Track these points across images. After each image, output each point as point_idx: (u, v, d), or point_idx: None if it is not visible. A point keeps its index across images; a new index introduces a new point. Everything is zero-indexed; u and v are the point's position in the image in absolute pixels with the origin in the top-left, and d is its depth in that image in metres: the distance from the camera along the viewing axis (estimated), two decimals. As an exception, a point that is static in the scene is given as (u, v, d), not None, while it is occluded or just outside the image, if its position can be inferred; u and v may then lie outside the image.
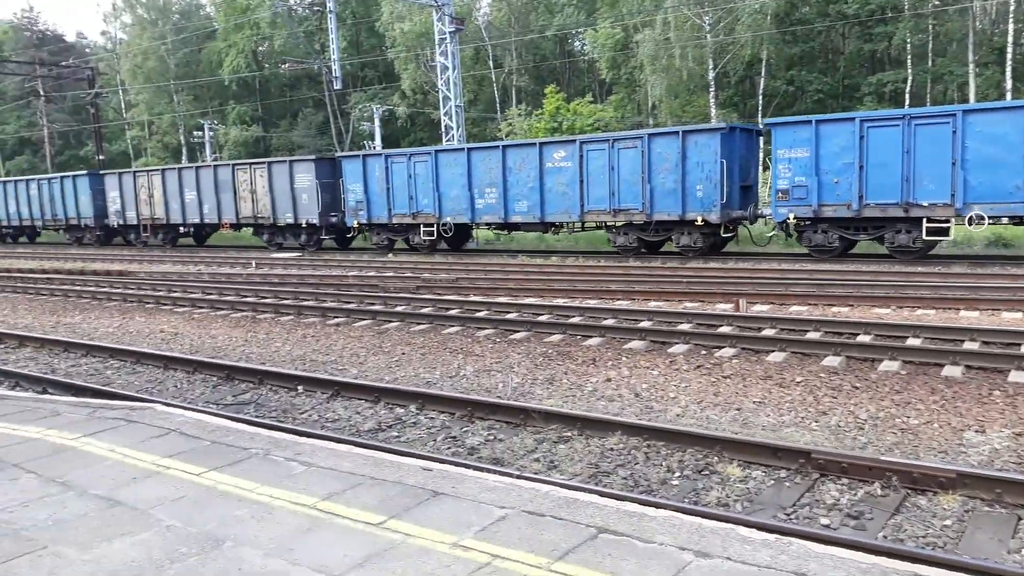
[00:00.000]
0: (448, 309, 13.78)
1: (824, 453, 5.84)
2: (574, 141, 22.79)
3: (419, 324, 12.69)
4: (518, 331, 11.67)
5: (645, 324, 11.41)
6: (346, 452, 5.63)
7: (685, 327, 11.04)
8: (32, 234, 42.59)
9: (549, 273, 17.96)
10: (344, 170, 27.69)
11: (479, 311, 13.42)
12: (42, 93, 54.22)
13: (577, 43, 52.05)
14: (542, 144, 23.25)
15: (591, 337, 11.00)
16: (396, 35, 46.24)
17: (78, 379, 9.92)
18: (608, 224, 22.55)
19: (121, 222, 35.54)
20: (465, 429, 7.40)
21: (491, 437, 7.13)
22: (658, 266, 19.11)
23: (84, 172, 38.93)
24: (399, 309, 13.88)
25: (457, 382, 9.22)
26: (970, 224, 17.56)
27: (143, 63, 54.69)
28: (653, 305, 13.39)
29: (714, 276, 16.33)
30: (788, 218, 19.39)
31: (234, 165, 31.48)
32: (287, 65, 43.40)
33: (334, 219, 28.03)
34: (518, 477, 5.18)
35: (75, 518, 4.58)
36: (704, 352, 9.87)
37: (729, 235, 21.54)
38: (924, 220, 17.86)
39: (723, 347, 9.90)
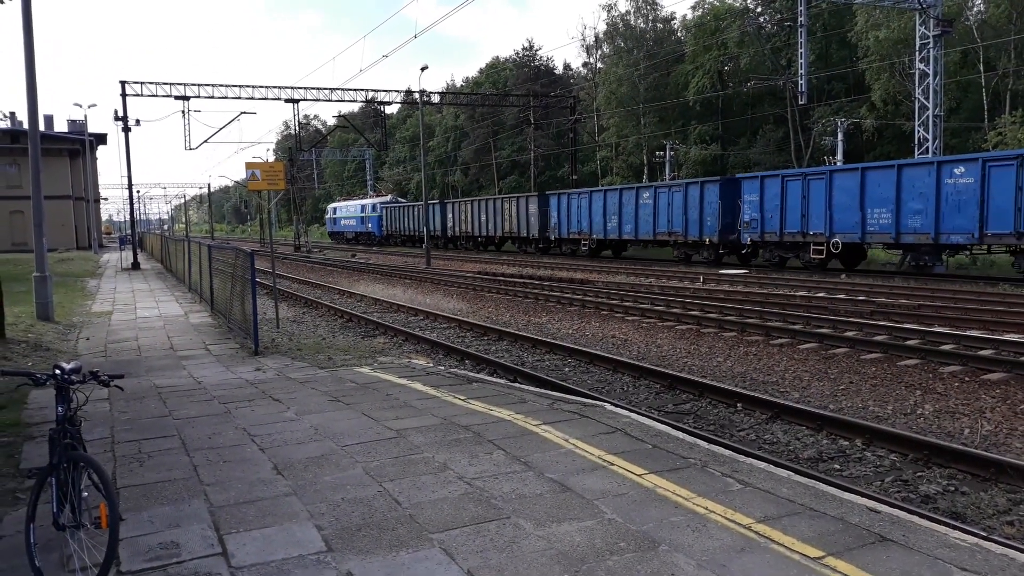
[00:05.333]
0: (906, 339, 12.54)
1: None
2: (651, 187, 34.40)
3: (871, 352, 11.77)
4: (994, 371, 10.18)
5: None
6: (785, 477, 5.46)
7: None
8: (420, 241, 56.26)
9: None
10: (550, 202, 41.70)
11: (944, 344, 11.98)
12: (532, 121, 61.86)
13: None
14: (638, 188, 35.43)
15: (1096, 389, 9.13)
16: (870, 43, 43.28)
17: (541, 372, 11.15)
18: (667, 241, 33.25)
19: (452, 233, 52.76)
20: (919, 474, 6.68)
21: (951, 488, 6.34)
22: None
23: (437, 201, 57.34)
24: (849, 334, 13.02)
25: (912, 420, 8.35)
26: (835, 249, 25.41)
27: (617, 89, 59.16)
28: None
29: None
30: (748, 241, 28.73)
31: (503, 198, 47.35)
32: (751, 83, 43.44)
33: (547, 234, 41.92)
34: (985, 538, 4.51)
35: (533, 496, 5.15)
36: None
37: (724, 251, 30.83)
38: (811, 245, 26.37)
39: None
